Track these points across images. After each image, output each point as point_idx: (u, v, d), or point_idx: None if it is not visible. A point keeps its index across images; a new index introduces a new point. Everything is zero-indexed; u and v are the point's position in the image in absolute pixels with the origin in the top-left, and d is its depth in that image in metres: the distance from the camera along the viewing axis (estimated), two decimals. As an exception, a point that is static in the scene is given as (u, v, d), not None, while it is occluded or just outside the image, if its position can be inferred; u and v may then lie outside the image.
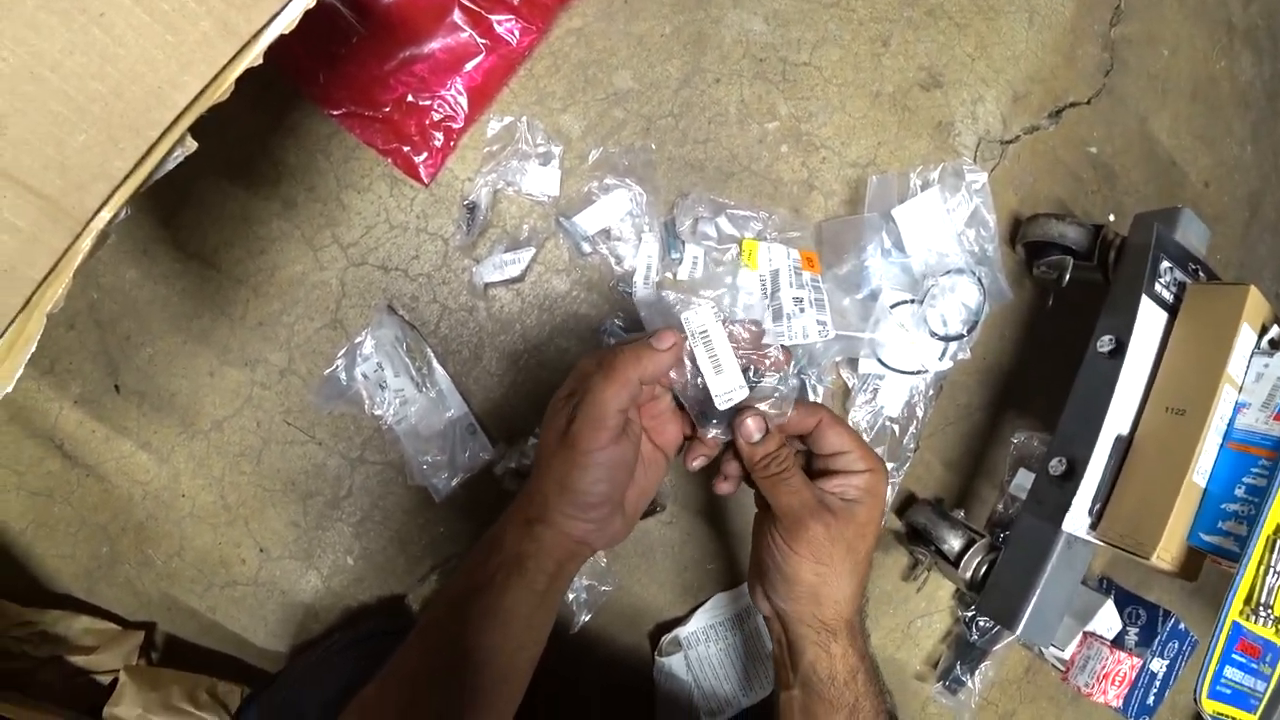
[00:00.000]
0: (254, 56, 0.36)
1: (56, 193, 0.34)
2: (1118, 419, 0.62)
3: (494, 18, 0.71)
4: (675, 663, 0.78)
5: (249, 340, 0.73)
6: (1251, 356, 0.61)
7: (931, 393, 0.82)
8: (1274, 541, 0.54)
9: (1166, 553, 0.57)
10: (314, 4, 0.36)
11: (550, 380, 0.76)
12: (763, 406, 0.49)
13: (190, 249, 0.72)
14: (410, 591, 0.77)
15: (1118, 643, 0.84)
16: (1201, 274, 0.68)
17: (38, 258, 0.34)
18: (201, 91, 0.35)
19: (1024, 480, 0.84)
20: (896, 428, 0.81)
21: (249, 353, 0.73)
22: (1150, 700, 0.86)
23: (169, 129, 0.35)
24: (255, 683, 0.77)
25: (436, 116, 0.71)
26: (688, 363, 0.47)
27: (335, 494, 0.75)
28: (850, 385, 0.80)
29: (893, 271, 0.77)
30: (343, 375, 0.72)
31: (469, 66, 0.71)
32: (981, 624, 0.86)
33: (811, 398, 0.78)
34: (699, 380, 0.47)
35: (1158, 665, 0.86)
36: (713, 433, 0.49)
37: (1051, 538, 0.63)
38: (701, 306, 0.47)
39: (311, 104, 0.71)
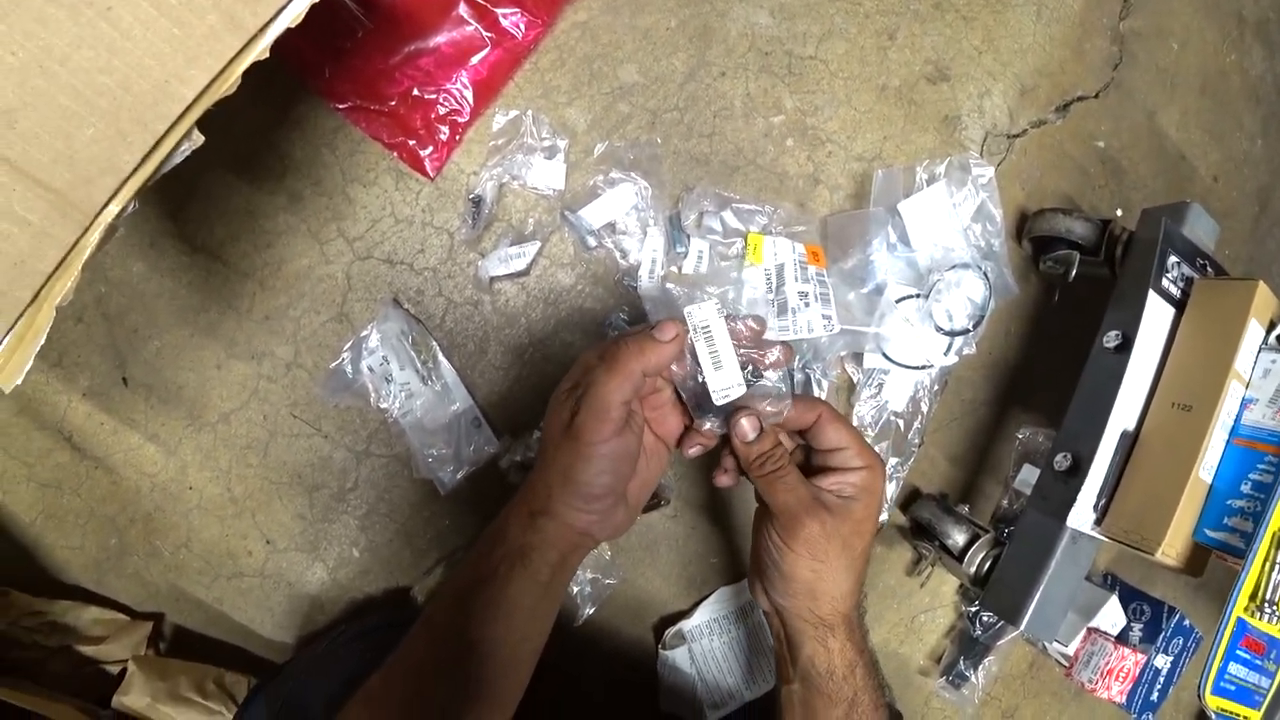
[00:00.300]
0: (260, 50, 0.36)
1: (65, 186, 0.34)
2: (1123, 414, 0.62)
3: (499, 11, 0.71)
4: (679, 656, 0.78)
5: (255, 333, 0.73)
6: (1259, 352, 0.60)
7: (936, 388, 0.82)
8: (1280, 538, 0.54)
9: (1171, 549, 0.57)
10: (320, -2, 0.36)
11: (555, 374, 0.76)
12: (760, 405, 0.49)
13: (197, 243, 0.72)
14: (416, 584, 0.78)
15: (1122, 639, 0.84)
16: (1209, 269, 0.68)
17: (47, 251, 0.34)
18: (208, 85, 0.36)
19: (1029, 475, 0.84)
20: (901, 423, 0.81)
21: (255, 346, 0.73)
22: (1154, 696, 0.86)
23: (176, 123, 0.35)
24: (262, 673, 0.77)
25: (442, 110, 0.71)
26: (688, 356, 0.47)
27: (341, 486, 0.75)
28: (855, 380, 0.80)
29: (898, 266, 0.77)
30: (348, 368, 0.72)
31: (474, 60, 0.71)
32: (985, 619, 0.86)
33: (816, 392, 0.78)
34: (698, 374, 0.47)
35: (1162, 661, 0.86)
36: (709, 425, 0.49)
37: (1056, 533, 0.63)
38: (706, 302, 0.47)
39: (317, 98, 0.71)
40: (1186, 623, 0.87)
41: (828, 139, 0.80)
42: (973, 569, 0.72)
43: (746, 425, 0.49)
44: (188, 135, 0.36)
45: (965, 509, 0.80)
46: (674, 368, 0.47)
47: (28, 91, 0.32)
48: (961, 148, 0.84)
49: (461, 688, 0.46)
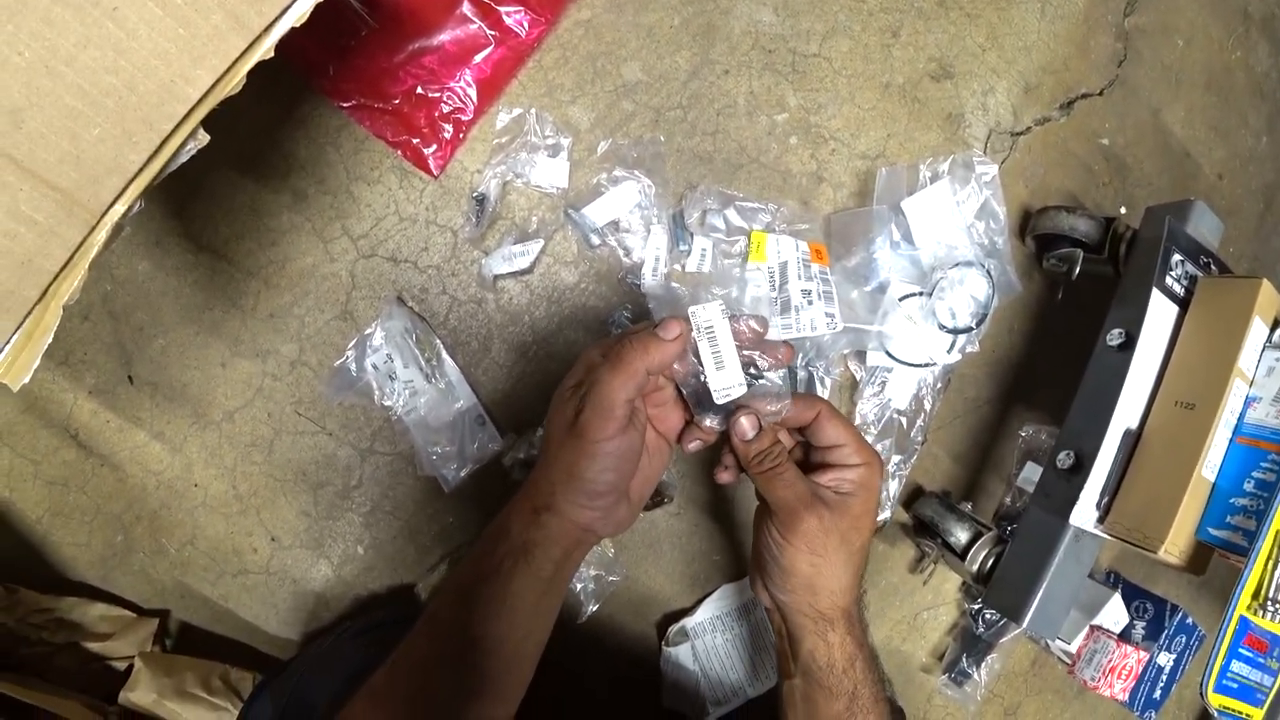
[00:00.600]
0: (265, 50, 0.36)
1: (72, 186, 0.34)
2: (1127, 413, 0.62)
3: (503, 9, 0.71)
4: (682, 652, 0.78)
5: (260, 332, 0.74)
6: (1263, 350, 0.60)
7: (939, 386, 0.82)
8: (1283, 536, 0.54)
9: (1174, 547, 0.57)
10: (324, -3, 0.37)
11: (559, 372, 0.76)
12: (760, 404, 0.49)
13: (202, 241, 0.73)
14: (420, 580, 0.78)
15: (1124, 636, 0.84)
16: (1213, 267, 0.68)
17: (54, 250, 0.35)
18: (213, 85, 0.36)
19: (1032, 473, 0.84)
20: (904, 420, 0.81)
21: (260, 344, 0.74)
22: (1157, 694, 0.86)
23: (182, 122, 0.36)
24: (267, 669, 0.78)
25: (446, 109, 0.72)
26: (690, 355, 0.47)
27: (346, 484, 0.76)
28: (858, 378, 0.80)
29: (901, 264, 0.77)
30: (353, 366, 0.72)
31: (478, 58, 0.72)
32: (988, 617, 0.86)
33: (819, 390, 0.78)
34: (700, 374, 0.47)
35: (1164, 659, 0.86)
36: (709, 423, 0.50)
37: (1059, 531, 0.63)
38: (710, 302, 0.47)
39: (321, 96, 0.71)
40: (1189, 621, 0.87)
41: (831, 137, 0.80)
42: (975, 567, 0.72)
43: (745, 424, 0.49)
44: (193, 135, 0.36)
45: (968, 507, 0.80)
46: (676, 366, 0.48)
47: (34, 91, 0.32)
48: (965, 145, 0.84)
49: (465, 683, 0.46)
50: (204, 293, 0.73)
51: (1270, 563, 0.54)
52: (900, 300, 0.75)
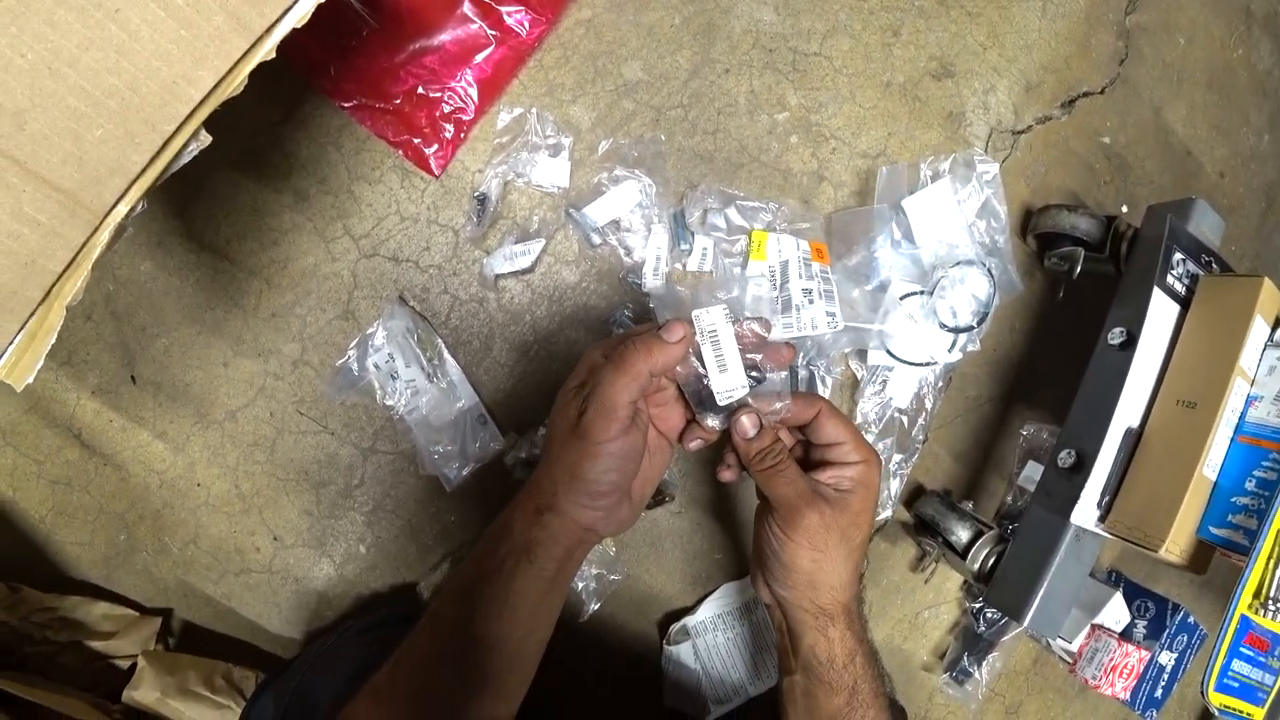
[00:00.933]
0: (267, 51, 0.36)
1: (75, 186, 0.34)
2: (1128, 411, 0.62)
3: (504, 9, 0.71)
4: (683, 651, 0.78)
5: (262, 331, 0.74)
6: (1264, 349, 0.60)
7: (940, 384, 0.82)
8: (1284, 535, 0.54)
9: (1176, 546, 0.57)
10: (325, -2, 0.37)
11: (560, 371, 0.76)
12: (761, 404, 0.49)
13: (204, 241, 0.73)
14: (422, 579, 0.78)
15: (1126, 635, 0.84)
16: (1215, 266, 0.68)
17: (57, 250, 0.35)
18: (215, 86, 0.36)
19: (1033, 472, 0.84)
20: (905, 419, 0.81)
21: (262, 344, 0.74)
22: (1158, 693, 0.86)
23: (184, 123, 0.36)
24: (269, 668, 0.78)
25: (447, 108, 0.72)
26: (692, 357, 0.48)
27: (348, 483, 0.76)
28: (859, 376, 0.80)
29: (902, 263, 0.77)
30: (355, 366, 0.73)
31: (479, 58, 0.72)
32: (989, 615, 0.86)
33: (820, 389, 0.78)
34: (702, 375, 0.48)
35: (1166, 658, 0.86)
36: (710, 422, 0.50)
37: (1060, 530, 0.63)
38: (714, 306, 0.48)
39: (322, 96, 0.72)
40: (1190, 619, 0.87)
41: (832, 135, 0.80)
42: (976, 565, 0.72)
43: (746, 423, 0.50)
44: (195, 135, 0.37)
45: (969, 505, 0.80)
46: (678, 368, 0.48)
47: (37, 93, 0.33)
48: (966, 144, 0.84)
49: (467, 682, 0.46)
50: (206, 292, 0.73)
51: (1271, 562, 0.54)
52: (901, 299, 0.75)
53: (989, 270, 0.76)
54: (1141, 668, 0.83)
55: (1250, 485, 0.57)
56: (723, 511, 0.81)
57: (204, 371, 0.74)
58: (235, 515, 0.76)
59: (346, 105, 0.71)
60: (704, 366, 0.48)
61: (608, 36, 0.76)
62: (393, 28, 0.70)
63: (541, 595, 0.48)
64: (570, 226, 0.75)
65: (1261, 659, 0.57)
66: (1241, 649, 0.56)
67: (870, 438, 0.80)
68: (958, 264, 0.76)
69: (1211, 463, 0.58)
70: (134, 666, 0.73)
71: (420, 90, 0.71)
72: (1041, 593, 0.63)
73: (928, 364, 0.78)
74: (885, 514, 0.83)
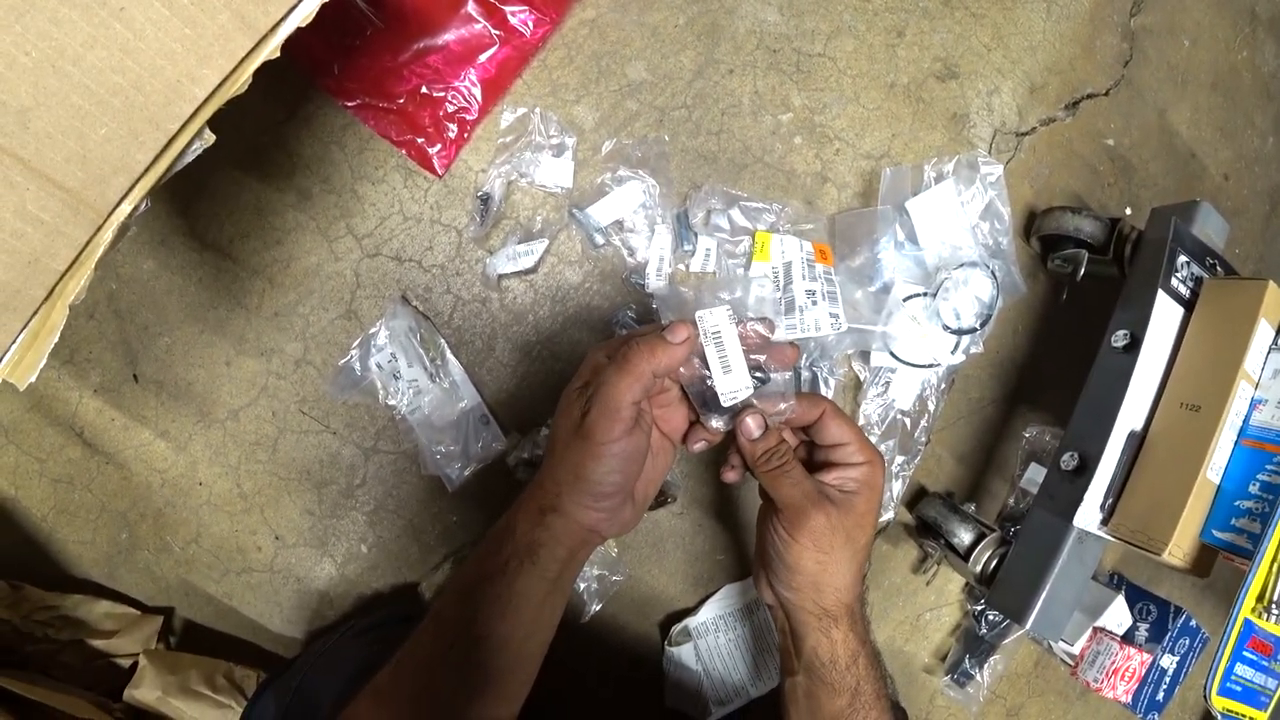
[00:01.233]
0: (271, 49, 0.36)
1: (79, 185, 0.34)
2: (1131, 414, 0.62)
3: (508, 9, 0.71)
4: (685, 652, 0.78)
5: (265, 330, 0.74)
6: (1269, 352, 0.60)
7: (943, 386, 0.82)
8: (1288, 539, 0.54)
9: (1179, 549, 0.57)
10: (330, -3, 0.37)
11: (563, 371, 0.76)
12: (766, 405, 0.49)
13: (207, 240, 0.73)
14: (423, 579, 0.78)
15: (1128, 638, 0.84)
16: (1219, 269, 0.68)
17: (60, 249, 0.35)
18: (220, 85, 0.36)
19: (1035, 475, 0.84)
20: (908, 421, 0.81)
21: (265, 343, 0.74)
22: (1160, 696, 0.86)
23: (188, 122, 0.36)
24: (271, 667, 0.78)
25: (450, 108, 0.72)
26: (696, 359, 0.48)
27: (350, 483, 0.76)
28: (862, 378, 0.80)
29: (906, 264, 0.77)
30: (357, 365, 0.73)
31: (483, 58, 0.72)
32: (991, 618, 0.86)
33: (823, 390, 0.78)
34: (706, 377, 0.48)
35: (1168, 661, 0.86)
36: (715, 423, 0.50)
37: (1062, 533, 0.63)
38: (717, 307, 0.47)
39: (326, 95, 0.71)
40: (1193, 623, 0.87)
41: (836, 137, 0.80)
42: (979, 568, 0.72)
43: (751, 424, 0.49)
44: (199, 134, 0.37)
45: (971, 508, 0.80)
46: (682, 369, 0.48)
47: (41, 91, 0.33)
48: (970, 145, 0.84)
49: (469, 682, 0.46)
50: (209, 291, 0.73)
51: (1275, 565, 0.54)
52: (904, 301, 0.75)
53: (992, 272, 0.76)
54: (1143, 671, 0.83)
55: (1254, 489, 0.57)
56: (725, 513, 0.81)
57: (206, 370, 0.74)
58: (237, 514, 0.76)
59: (350, 104, 0.71)
60: (708, 367, 0.48)
61: (612, 36, 0.76)
62: (397, 27, 0.70)
63: (544, 596, 0.48)
64: (573, 227, 0.75)
65: (1265, 663, 0.57)
66: (1245, 653, 0.56)
67: (873, 439, 0.80)
68: (961, 266, 0.76)
69: (1215, 466, 0.58)
70: (135, 665, 0.73)
71: (424, 90, 0.71)
72: (1044, 595, 0.63)
73: (931, 366, 0.78)
74: (887, 516, 0.83)
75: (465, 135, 0.72)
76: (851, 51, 0.80)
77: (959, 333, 0.77)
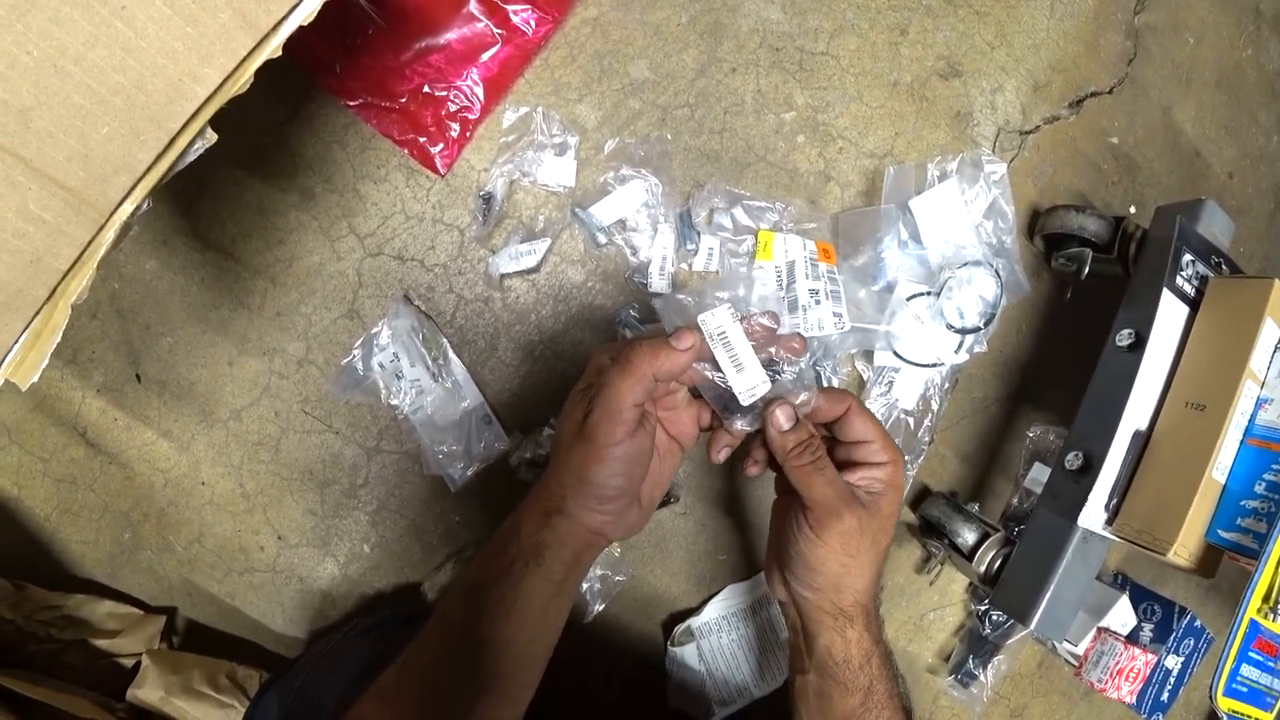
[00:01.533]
0: (273, 49, 0.36)
1: (80, 185, 0.34)
2: (1136, 414, 0.62)
3: (510, 8, 0.71)
4: (688, 653, 0.78)
5: (267, 330, 0.74)
6: (1275, 352, 0.60)
7: (947, 386, 0.82)
8: (1294, 539, 0.53)
9: (1184, 549, 0.57)
10: (332, -4, 0.37)
11: (565, 371, 0.76)
12: (788, 397, 0.49)
13: (209, 240, 0.73)
14: (426, 579, 0.78)
15: (1132, 639, 0.84)
16: (1224, 267, 0.67)
17: (62, 249, 0.35)
18: (221, 84, 0.36)
19: (1039, 474, 0.84)
20: (911, 420, 0.81)
21: (267, 343, 0.74)
22: (1164, 697, 0.86)
23: (190, 121, 0.36)
24: (273, 667, 0.78)
25: (452, 107, 0.71)
26: (706, 364, 0.47)
27: (352, 483, 0.76)
28: (865, 378, 0.80)
29: (909, 263, 0.77)
30: (359, 365, 0.72)
31: (485, 57, 0.71)
32: (994, 618, 0.86)
33: (826, 390, 0.78)
34: (721, 379, 0.47)
35: (1173, 662, 0.86)
36: (739, 424, 0.49)
37: (1067, 533, 0.62)
38: (718, 308, 0.47)
39: (328, 95, 0.71)
40: (1198, 623, 0.86)
41: (839, 135, 0.80)
42: (982, 568, 0.72)
43: (781, 416, 0.48)
44: (201, 133, 0.36)
45: (975, 507, 0.79)
46: (699, 374, 0.47)
47: (43, 91, 0.32)
48: (973, 144, 0.83)
49: (474, 684, 0.46)
50: (211, 291, 0.73)
51: (1281, 566, 0.54)
52: (908, 300, 0.75)
53: (996, 271, 0.76)
54: (1148, 671, 0.83)
55: (1260, 488, 0.57)
56: (728, 512, 0.81)
57: (209, 370, 0.74)
58: (240, 514, 0.76)
59: (352, 104, 0.71)
60: (720, 369, 0.47)
61: (614, 35, 0.76)
62: (399, 26, 0.69)
63: (549, 598, 0.48)
64: (576, 226, 0.74)
65: (1271, 664, 0.57)
66: (1250, 654, 0.56)
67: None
68: (965, 265, 0.76)
69: (1220, 466, 0.58)
70: (138, 665, 0.73)
71: (426, 89, 0.71)
72: (1048, 596, 0.63)
73: (934, 365, 0.78)
74: (891, 515, 0.83)
75: (467, 134, 0.72)
76: (854, 50, 0.80)
77: (963, 332, 0.77)
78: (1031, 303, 0.87)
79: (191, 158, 0.37)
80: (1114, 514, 0.61)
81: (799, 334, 0.50)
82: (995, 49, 0.84)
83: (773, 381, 0.48)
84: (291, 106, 0.72)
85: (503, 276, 0.74)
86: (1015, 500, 0.87)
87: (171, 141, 0.36)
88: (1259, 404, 0.59)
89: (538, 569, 0.47)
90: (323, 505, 0.76)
